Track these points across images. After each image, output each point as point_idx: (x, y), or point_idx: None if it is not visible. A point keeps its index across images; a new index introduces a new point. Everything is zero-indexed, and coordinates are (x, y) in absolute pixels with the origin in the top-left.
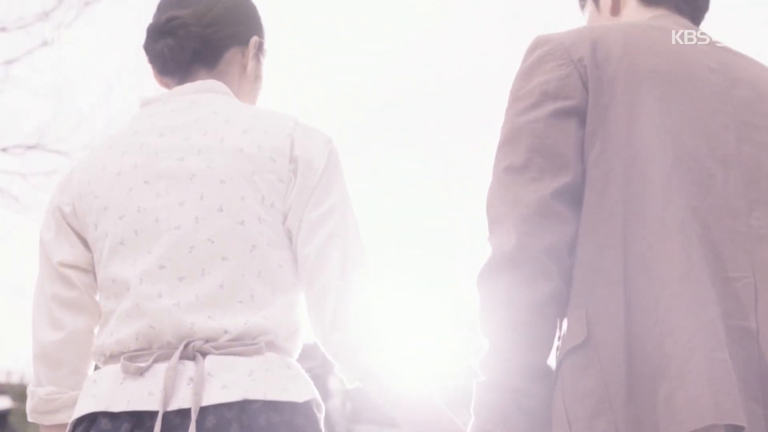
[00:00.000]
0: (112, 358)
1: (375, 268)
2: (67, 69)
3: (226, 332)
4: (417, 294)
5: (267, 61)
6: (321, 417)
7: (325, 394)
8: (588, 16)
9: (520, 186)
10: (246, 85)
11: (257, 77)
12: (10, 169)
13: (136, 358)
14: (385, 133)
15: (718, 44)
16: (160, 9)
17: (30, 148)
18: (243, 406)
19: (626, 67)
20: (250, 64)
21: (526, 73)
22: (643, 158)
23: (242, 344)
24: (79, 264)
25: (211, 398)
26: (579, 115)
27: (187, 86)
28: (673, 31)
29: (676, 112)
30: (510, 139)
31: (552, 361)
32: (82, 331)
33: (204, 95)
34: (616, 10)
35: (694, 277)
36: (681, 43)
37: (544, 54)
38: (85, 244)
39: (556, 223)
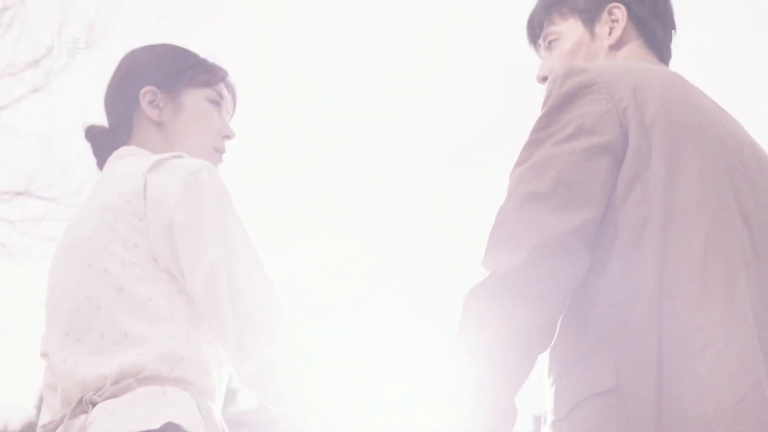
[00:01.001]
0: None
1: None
2: (57, 116)
3: (106, 378)
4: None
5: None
6: None
7: None
8: (571, 42)
9: (540, 214)
10: (167, 129)
11: (177, 114)
12: None
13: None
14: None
15: (712, 99)
16: None
17: (18, 194)
18: None
19: (665, 116)
20: (150, 113)
21: (562, 102)
22: (682, 211)
23: (117, 387)
24: None
25: None
26: (611, 153)
27: (109, 159)
28: (686, 82)
29: (709, 168)
30: (537, 165)
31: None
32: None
33: (117, 162)
34: (618, 45)
35: (741, 338)
36: (699, 95)
37: (581, 85)
38: None
39: (568, 262)
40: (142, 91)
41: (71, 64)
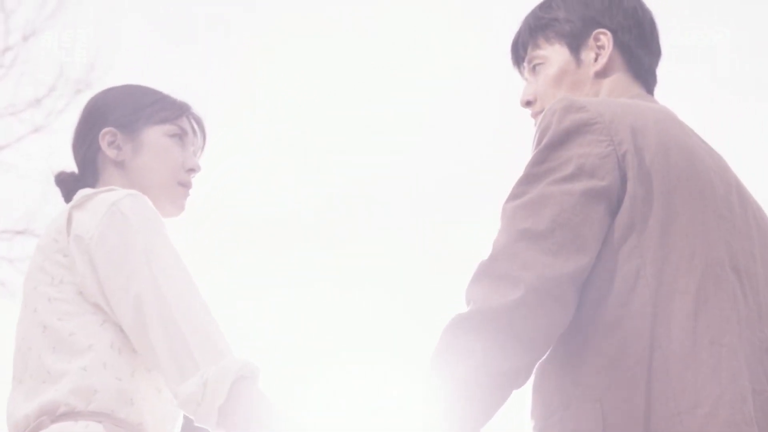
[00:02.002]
0: None
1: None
2: (57, 155)
3: (29, 418)
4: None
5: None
6: None
7: None
8: (556, 68)
9: (535, 254)
10: (128, 167)
11: (137, 154)
12: None
13: None
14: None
15: (700, 136)
16: None
17: (18, 233)
18: None
19: (661, 163)
20: (111, 153)
21: (560, 139)
22: (675, 264)
23: (34, 425)
24: None
25: None
26: (609, 198)
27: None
28: (678, 121)
29: (701, 219)
30: (534, 204)
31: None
32: None
33: (65, 207)
34: (604, 72)
35: (727, 399)
36: (690, 137)
37: (581, 123)
38: None
39: (559, 307)
40: (101, 132)
41: (72, 104)
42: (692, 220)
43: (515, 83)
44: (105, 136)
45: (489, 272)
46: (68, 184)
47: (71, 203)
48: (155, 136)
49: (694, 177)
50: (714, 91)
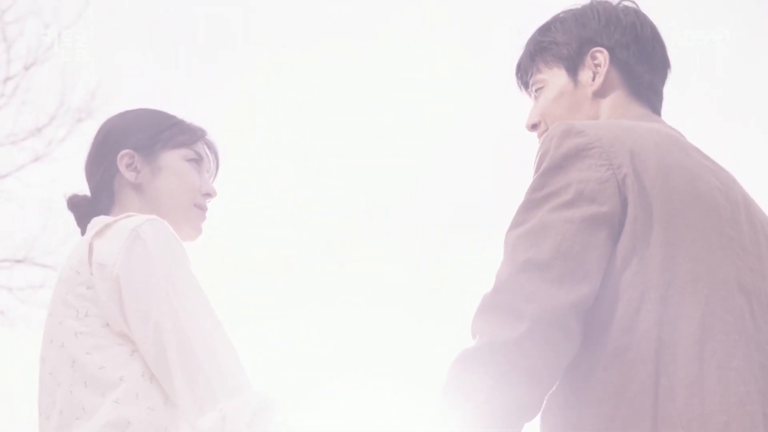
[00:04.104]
0: None
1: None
2: (57, 184)
3: None
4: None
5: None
6: None
7: None
8: (554, 91)
9: (539, 285)
10: (144, 191)
11: (154, 177)
12: None
13: None
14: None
15: (706, 154)
16: None
17: (18, 261)
18: None
19: (662, 185)
20: (128, 176)
21: (559, 164)
22: (680, 288)
23: None
24: None
25: None
26: (610, 224)
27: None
28: (679, 142)
29: (706, 241)
30: (535, 233)
31: None
32: None
33: (85, 237)
34: (602, 92)
35: (736, 426)
36: (693, 157)
37: (580, 147)
38: None
39: (565, 339)
40: (120, 154)
41: (73, 133)
42: (696, 242)
43: (519, 100)
44: (123, 159)
45: (493, 305)
46: (82, 208)
47: (91, 233)
48: (173, 159)
49: (697, 199)
50: (714, 91)
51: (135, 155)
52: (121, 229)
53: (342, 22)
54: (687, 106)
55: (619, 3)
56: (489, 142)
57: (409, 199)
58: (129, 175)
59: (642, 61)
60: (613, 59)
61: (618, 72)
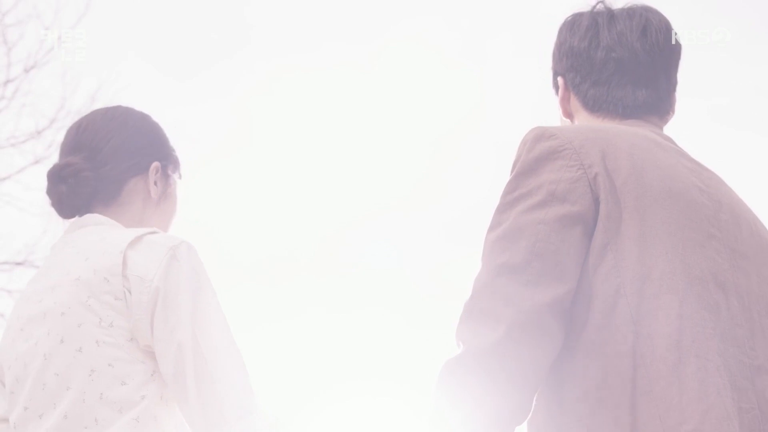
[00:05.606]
0: None
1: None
2: None
3: None
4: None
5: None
6: None
7: None
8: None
9: (515, 287)
10: (150, 208)
11: (163, 200)
12: None
13: None
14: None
15: (690, 156)
16: (60, 153)
17: (18, 264)
18: None
19: (634, 182)
20: (153, 190)
21: (531, 167)
22: (657, 282)
23: None
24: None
25: None
26: (583, 223)
27: (71, 223)
28: (657, 144)
29: (681, 235)
30: (509, 236)
31: None
32: None
33: (80, 230)
34: (571, 116)
35: (714, 415)
36: (670, 157)
37: (551, 150)
38: None
39: (545, 339)
40: (154, 164)
41: None
42: (671, 238)
43: (521, 105)
44: (154, 171)
45: (473, 311)
46: (85, 182)
47: (123, 244)
48: (175, 186)
49: (672, 197)
50: (714, 92)
51: (160, 170)
52: (157, 244)
53: (342, 25)
54: (687, 106)
55: (575, 17)
56: (489, 149)
57: (409, 204)
58: (153, 190)
59: (591, 80)
60: (567, 84)
61: (575, 95)
